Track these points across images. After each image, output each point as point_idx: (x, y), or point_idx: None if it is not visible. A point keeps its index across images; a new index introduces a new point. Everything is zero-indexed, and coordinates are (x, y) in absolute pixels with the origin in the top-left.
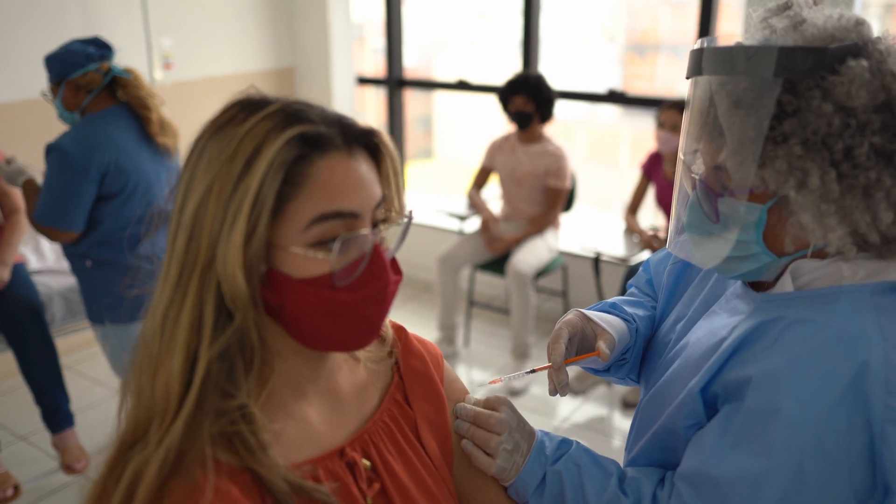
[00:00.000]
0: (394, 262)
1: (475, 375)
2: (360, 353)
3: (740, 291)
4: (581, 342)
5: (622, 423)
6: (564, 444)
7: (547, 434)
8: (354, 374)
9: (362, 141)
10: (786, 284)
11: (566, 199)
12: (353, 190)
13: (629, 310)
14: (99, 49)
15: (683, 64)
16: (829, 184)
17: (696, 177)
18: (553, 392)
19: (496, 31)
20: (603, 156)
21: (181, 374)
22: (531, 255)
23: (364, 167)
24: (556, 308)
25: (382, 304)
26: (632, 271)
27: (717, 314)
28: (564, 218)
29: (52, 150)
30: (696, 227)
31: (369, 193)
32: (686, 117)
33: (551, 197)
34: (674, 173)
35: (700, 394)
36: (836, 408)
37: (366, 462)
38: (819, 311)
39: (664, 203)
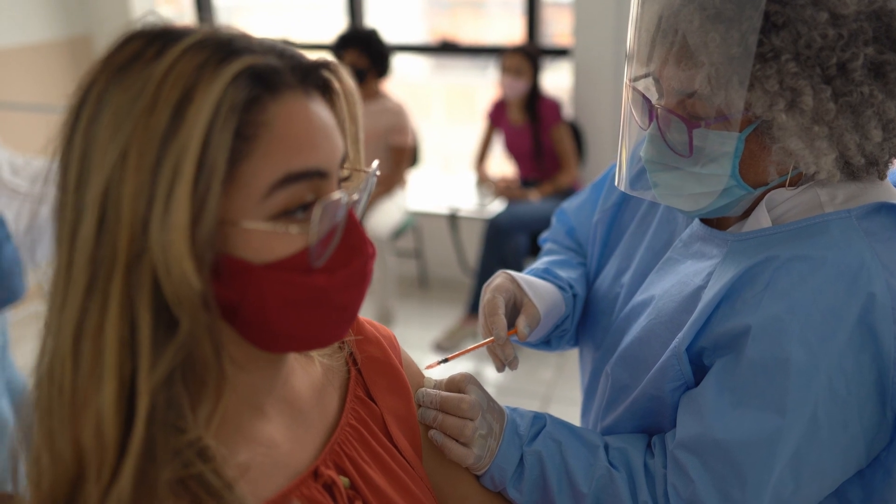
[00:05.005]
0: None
1: None
2: None
3: (702, 233)
4: (512, 309)
5: (493, 375)
6: (538, 419)
7: (515, 410)
8: (310, 374)
9: (315, 78)
10: (761, 219)
11: (411, 157)
12: (318, 141)
13: (563, 274)
14: None
15: (491, 16)
16: (824, 103)
17: (659, 106)
18: (501, 368)
19: None
20: (417, 112)
21: (115, 413)
22: (384, 217)
23: (324, 112)
24: (411, 270)
25: (363, 285)
26: (492, 225)
27: (678, 261)
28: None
29: None
30: (658, 162)
31: (334, 145)
32: (633, 38)
33: (396, 155)
34: (519, 120)
35: (686, 352)
36: (845, 349)
37: (344, 479)
38: (811, 246)
39: (513, 150)
